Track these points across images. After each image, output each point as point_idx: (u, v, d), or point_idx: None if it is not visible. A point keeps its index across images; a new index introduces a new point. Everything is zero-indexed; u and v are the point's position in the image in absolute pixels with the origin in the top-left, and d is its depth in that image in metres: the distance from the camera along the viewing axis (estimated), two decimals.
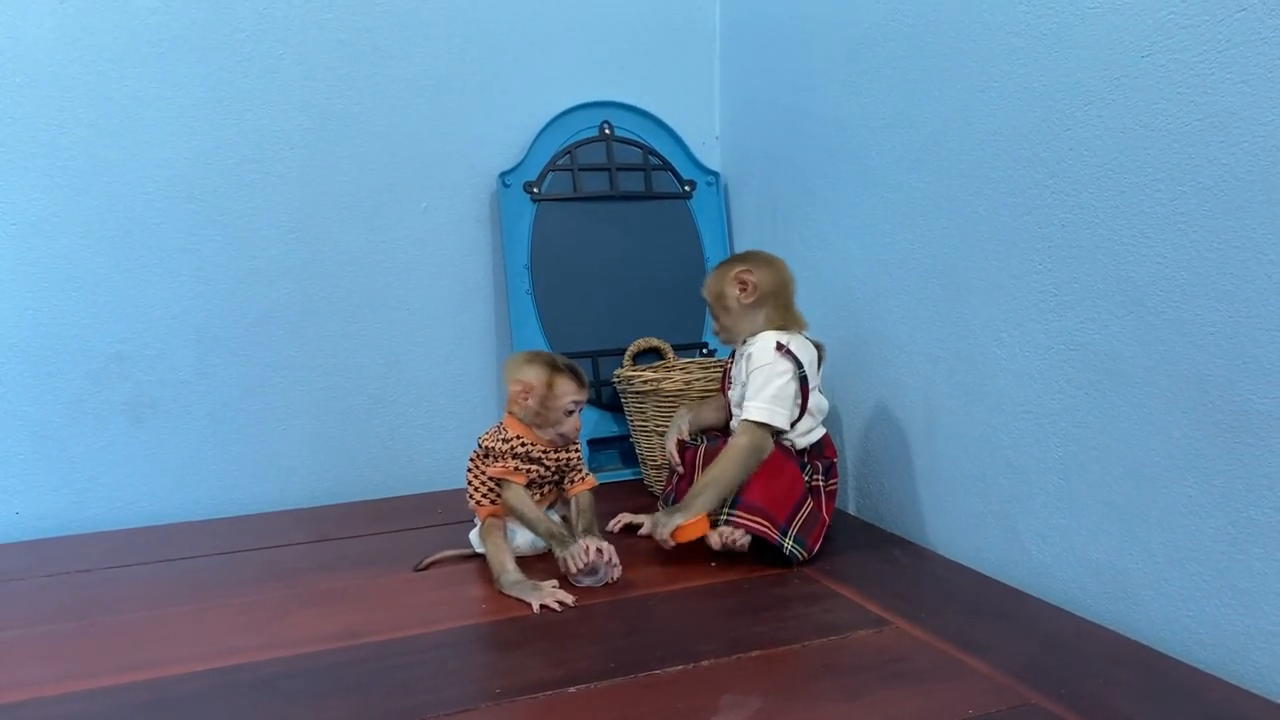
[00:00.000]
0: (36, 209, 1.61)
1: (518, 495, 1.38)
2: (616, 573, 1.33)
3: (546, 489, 1.43)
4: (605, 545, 1.33)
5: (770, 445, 1.42)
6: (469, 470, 1.43)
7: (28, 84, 1.59)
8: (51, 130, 1.61)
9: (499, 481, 1.38)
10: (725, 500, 1.39)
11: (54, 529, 1.64)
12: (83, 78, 1.62)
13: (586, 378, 1.43)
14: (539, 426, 1.39)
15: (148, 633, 1.20)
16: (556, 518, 1.44)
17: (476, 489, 1.41)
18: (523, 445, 1.38)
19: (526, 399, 1.38)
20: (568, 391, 1.38)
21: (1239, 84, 1.05)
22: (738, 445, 1.41)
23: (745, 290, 1.46)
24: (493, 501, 1.40)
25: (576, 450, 1.43)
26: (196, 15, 1.67)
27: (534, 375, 1.38)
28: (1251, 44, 1.03)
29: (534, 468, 1.39)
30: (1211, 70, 1.07)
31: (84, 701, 1.03)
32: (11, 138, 1.59)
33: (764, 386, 1.42)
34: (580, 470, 1.44)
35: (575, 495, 1.43)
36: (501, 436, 1.39)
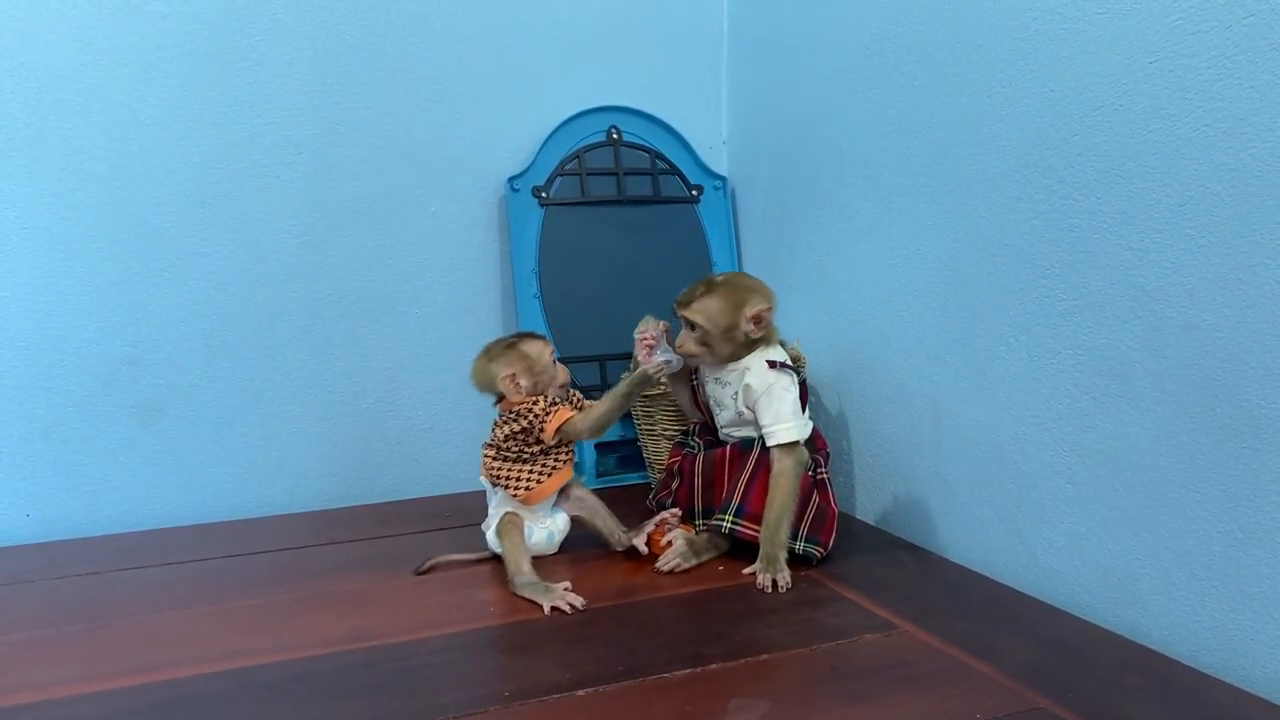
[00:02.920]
0: (48, 213, 1.62)
1: (585, 416, 1.41)
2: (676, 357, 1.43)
3: (565, 459, 1.43)
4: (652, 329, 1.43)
5: (808, 455, 1.44)
6: (497, 473, 1.41)
7: (40, 89, 1.60)
8: (63, 135, 1.62)
9: (560, 432, 1.39)
10: (730, 509, 1.40)
11: (64, 531, 1.64)
12: (94, 82, 1.63)
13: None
14: (540, 394, 1.41)
15: (158, 635, 1.21)
16: (564, 517, 1.45)
17: (518, 477, 1.40)
18: (548, 399, 1.40)
19: (519, 381, 1.40)
20: (541, 349, 1.43)
21: (1247, 89, 1.05)
22: (786, 470, 1.40)
23: (760, 325, 1.44)
24: (552, 471, 1.41)
25: (575, 391, 1.48)
26: (207, 20, 1.68)
27: (506, 362, 1.41)
28: (1260, 50, 1.04)
29: (568, 406, 1.42)
30: (1219, 76, 1.08)
31: (93, 703, 1.04)
32: (24, 142, 1.60)
33: (780, 407, 1.41)
34: (587, 404, 1.47)
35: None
36: (525, 412, 1.39)
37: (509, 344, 1.43)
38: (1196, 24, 1.10)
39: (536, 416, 1.39)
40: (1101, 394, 1.24)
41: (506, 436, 1.40)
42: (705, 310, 1.43)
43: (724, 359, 1.45)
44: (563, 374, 1.45)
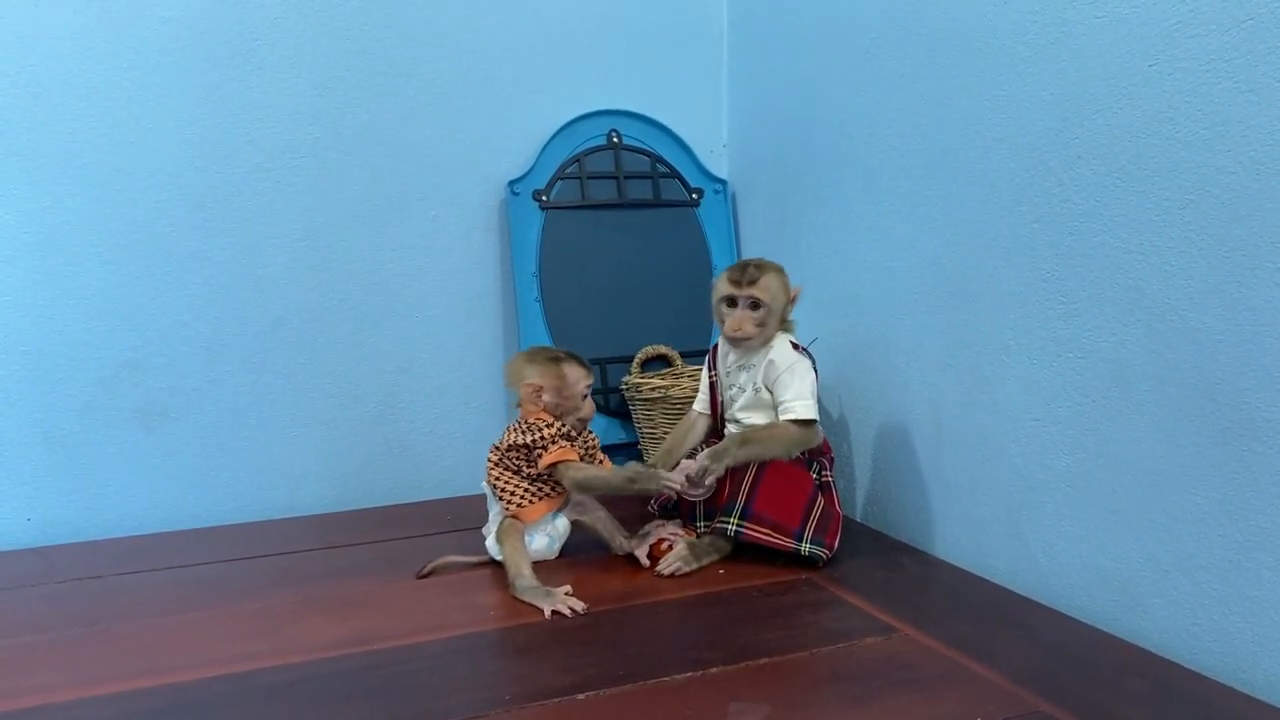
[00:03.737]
0: (49, 217, 1.63)
1: (581, 469, 1.40)
2: (711, 478, 1.38)
3: (558, 491, 1.43)
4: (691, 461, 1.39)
5: (818, 440, 1.44)
6: (496, 480, 1.42)
7: (41, 93, 1.60)
8: (64, 138, 1.62)
9: (552, 467, 1.38)
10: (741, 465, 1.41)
11: (65, 535, 1.65)
12: (96, 86, 1.63)
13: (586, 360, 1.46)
14: (557, 418, 1.42)
15: (159, 639, 1.21)
16: (565, 522, 1.45)
17: (514, 492, 1.40)
18: (562, 426, 1.40)
19: (540, 397, 1.41)
20: (579, 377, 1.43)
21: (1246, 92, 1.05)
22: (790, 431, 1.41)
23: (794, 301, 1.48)
24: (545, 496, 1.41)
25: (593, 434, 1.47)
26: (209, 24, 1.68)
27: (540, 373, 1.41)
28: (1258, 53, 1.04)
29: (575, 446, 1.41)
30: (1218, 79, 1.08)
31: (95, 708, 1.04)
32: (25, 146, 1.60)
33: (801, 385, 1.42)
34: (599, 454, 1.47)
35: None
36: (536, 428, 1.39)
37: (554, 357, 1.44)
38: (1195, 27, 1.10)
39: (542, 438, 1.38)
40: (1101, 397, 1.24)
41: (510, 446, 1.40)
42: (769, 288, 1.43)
43: (766, 341, 1.46)
44: (588, 409, 1.44)
